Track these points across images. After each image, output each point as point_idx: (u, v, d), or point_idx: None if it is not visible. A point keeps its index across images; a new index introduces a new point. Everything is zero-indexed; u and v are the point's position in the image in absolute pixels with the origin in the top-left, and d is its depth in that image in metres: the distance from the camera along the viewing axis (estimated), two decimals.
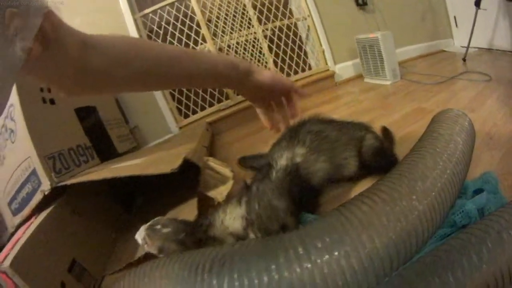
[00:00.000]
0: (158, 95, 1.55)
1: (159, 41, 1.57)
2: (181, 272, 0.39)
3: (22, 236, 0.65)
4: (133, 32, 1.53)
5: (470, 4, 1.56)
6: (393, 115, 1.01)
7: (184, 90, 1.59)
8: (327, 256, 0.35)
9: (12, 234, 0.74)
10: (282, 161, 0.63)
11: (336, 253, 0.35)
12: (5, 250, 0.62)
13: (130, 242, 0.83)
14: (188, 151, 0.83)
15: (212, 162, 0.93)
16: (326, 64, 1.75)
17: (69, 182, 0.75)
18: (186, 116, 1.60)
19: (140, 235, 0.54)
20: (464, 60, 1.56)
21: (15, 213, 0.77)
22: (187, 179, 0.88)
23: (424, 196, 0.42)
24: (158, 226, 0.54)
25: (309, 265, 0.34)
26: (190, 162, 0.76)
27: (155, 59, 0.47)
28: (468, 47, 1.58)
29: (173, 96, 1.59)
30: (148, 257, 0.67)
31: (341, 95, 1.53)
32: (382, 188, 0.44)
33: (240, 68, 0.56)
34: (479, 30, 1.58)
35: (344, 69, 1.77)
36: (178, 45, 1.58)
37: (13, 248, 0.60)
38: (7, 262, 0.56)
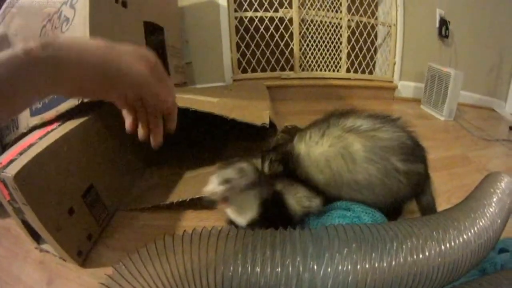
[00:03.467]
0: (225, 39, 1.51)
1: (245, 4, 1.51)
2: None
3: (37, 142, 0.52)
4: None
5: None
6: (441, 151, 1.07)
7: (252, 43, 1.55)
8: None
9: (24, 135, 0.64)
10: None
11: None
12: (11, 152, 0.50)
13: (156, 182, 0.79)
14: (267, 110, 0.79)
15: None
16: (393, 76, 1.75)
17: None
18: (244, 71, 1.60)
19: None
20: (510, 128, 1.56)
21: (34, 113, 0.65)
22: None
23: (480, 236, 0.50)
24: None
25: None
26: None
27: None
28: None
29: (238, 47, 1.56)
30: (181, 204, 0.67)
31: (396, 110, 1.56)
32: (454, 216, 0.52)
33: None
34: None
35: (406, 88, 1.77)
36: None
37: (22, 153, 0.48)
38: (10, 171, 0.43)
